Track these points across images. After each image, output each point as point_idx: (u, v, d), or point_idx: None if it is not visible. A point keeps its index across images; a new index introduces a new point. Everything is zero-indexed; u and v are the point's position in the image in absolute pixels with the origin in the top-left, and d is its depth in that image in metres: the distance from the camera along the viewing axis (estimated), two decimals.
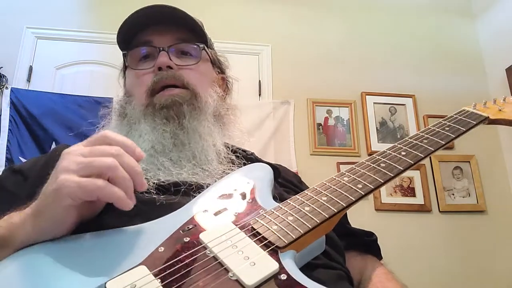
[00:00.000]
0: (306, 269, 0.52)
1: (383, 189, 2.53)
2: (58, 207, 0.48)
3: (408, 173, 2.58)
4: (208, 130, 0.77)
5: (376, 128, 2.70)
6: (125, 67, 0.88)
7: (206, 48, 0.85)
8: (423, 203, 2.54)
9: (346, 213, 0.83)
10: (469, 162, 2.66)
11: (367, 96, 2.76)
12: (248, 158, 0.80)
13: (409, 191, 2.56)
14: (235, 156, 0.78)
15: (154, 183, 0.65)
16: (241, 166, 0.73)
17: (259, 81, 2.72)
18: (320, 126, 2.67)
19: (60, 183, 0.47)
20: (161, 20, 0.81)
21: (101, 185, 0.47)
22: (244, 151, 0.83)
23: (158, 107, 0.75)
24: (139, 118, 0.77)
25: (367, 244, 0.82)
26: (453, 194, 2.59)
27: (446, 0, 3.15)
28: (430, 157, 2.61)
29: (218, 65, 0.91)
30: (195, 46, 0.83)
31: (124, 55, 0.84)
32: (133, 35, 0.82)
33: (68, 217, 0.50)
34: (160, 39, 0.80)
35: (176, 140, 0.74)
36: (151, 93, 0.77)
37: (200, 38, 0.84)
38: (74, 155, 0.50)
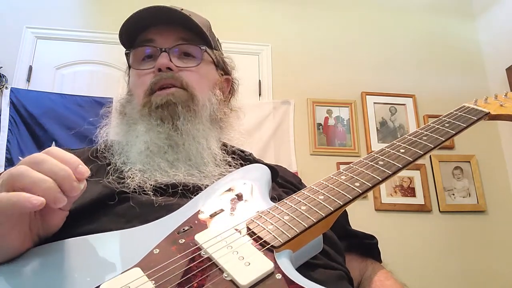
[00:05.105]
0: (306, 269, 0.52)
1: (383, 189, 2.52)
2: None
3: (408, 173, 2.57)
4: (202, 133, 0.76)
5: (376, 128, 2.70)
6: (129, 66, 0.87)
7: (208, 49, 0.84)
8: (423, 203, 2.53)
9: (347, 214, 0.83)
10: (470, 162, 2.66)
11: (367, 96, 2.75)
12: (246, 159, 0.80)
13: (409, 191, 2.55)
14: (232, 157, 0.77)
15: (151, 184, 0.65)
16: (238, 168, 0.73)
17: (259, 81, 2.71)
18: (320, 126, 2.66)
19: None
20: (164, 20, 0.80)
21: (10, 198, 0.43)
22: (243, 151, 0.83)
23: (154, 107, 0.75)
24: (137, 118, 0.77)
25: (368, 246, 0.82)
26: (453, 194, 2.58)
27: (446, 0, 3.15)
28: (430, 157, 2.64)
29: (222, 67, 0.90)
30: (197, 48, 0.82)
31: (127, 55, 0.84)
32: (137, 34, 0.82)
33: (6, 244, 0.46)
34: (162, 39, 0.80)
35: (171, 141, 0.73)
36: (149, 94, 0.77)
37: (203, 39, 0.83)
38: None
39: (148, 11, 0.78)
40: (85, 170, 0.48)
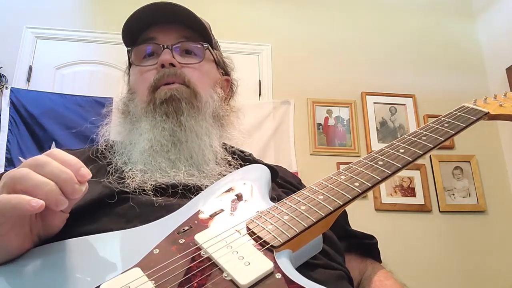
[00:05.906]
0: (306, 269, 0.52)
1: (383, 189, 2.53)
2: None
3: (408, 173, 2.57)
4: (205, 131, 0.77)
5: (376, 128, 2.70)
6: (129, 64, 0.87)
7: (210, 48, 0.85)
8: (423, 203, 2.53)
9: (346, 214, 0.83)
10: (470, 162, 2.66)
11: (367, 96, 2.75)
12: (246, 159, 0.80)
13: (409, 191, 2.55)
14: (232, 157, 0.77)
15: (151, 184, 0.65)
16: (238, 168, 0.73)
17: (259, 81, 2.71)
18: (320, 126, 2.66)
19: None
20: (167, 17, 0.81)
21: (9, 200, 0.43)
22: (242, 152, 0.83)
23: (158, 103, 0.75)
24: (141, 115, 0.77)
25: (367, 246, 0.82)
26: (453, 194, 2.58)
27: (446, 0, 3.15)
28: (430, 157, 2.63)
29: (222, 67, 0.90)
30: (199, 45, 0.83)
31: (129, 52, 0.84)
32: (138, 31, 0.82)
33: (6, 244, 0.46)
34: (164, 37, 0.80)
35: (174, 138, 0.74)
36: (152, 90, 0.77)
37: (204, 37, 0.84)
38: None
39: (153, 7, 0.79)
40: (87, 173, 0.48)
